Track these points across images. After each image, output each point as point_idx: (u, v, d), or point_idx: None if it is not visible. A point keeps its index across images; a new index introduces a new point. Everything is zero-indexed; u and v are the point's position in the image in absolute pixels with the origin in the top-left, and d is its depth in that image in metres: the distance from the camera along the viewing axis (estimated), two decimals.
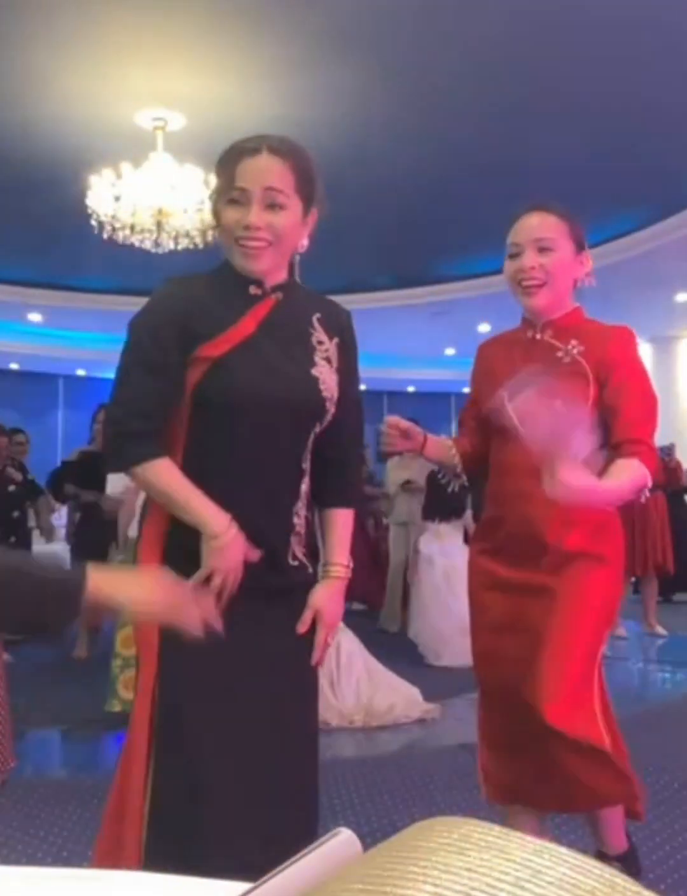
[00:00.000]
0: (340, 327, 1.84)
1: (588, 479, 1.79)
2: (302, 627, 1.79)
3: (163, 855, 1.63)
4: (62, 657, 5.92)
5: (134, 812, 1.71)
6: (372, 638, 6.65)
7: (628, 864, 2.15)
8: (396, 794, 3.21)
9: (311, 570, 1.83)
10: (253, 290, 1.72)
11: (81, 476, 5.99)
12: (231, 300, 1.70)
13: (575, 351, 2.12)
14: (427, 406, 14.70)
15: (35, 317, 11.91)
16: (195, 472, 1.66)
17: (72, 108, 6.35)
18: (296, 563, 1.78)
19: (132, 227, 6.43)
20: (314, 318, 1.79)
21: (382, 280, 10.85)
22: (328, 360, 1.78)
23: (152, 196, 6.31)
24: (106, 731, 4.25)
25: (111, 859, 1.75)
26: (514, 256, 2.22)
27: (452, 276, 10.09)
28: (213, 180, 5.42)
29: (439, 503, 6.23)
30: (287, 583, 1.76)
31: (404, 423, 2.22)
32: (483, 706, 2.22)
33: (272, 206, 1.67)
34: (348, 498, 1.90)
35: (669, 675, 5.93)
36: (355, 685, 4.27)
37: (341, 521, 1.88)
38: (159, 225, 6.41)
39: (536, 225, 2.19)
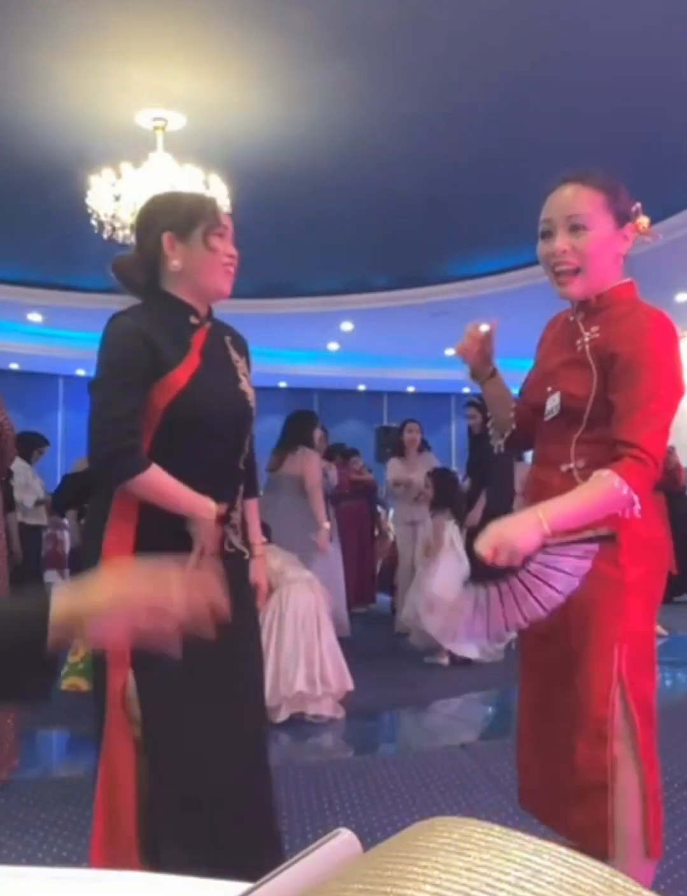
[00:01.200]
0: (244, 348, 2.19)
1: (527, 526, 1.65)
2: (262, 604, 2.22)
3: (169, 851, 1.81)
4: (62, 658, 5.91)
5: (127, 809, 1.84)
6: (371, 638, 6.65)
7: None
8: (395, 794, 3.21)
9: (247, 556, 2.11)
10: (193, 319, 2.03)
11: (86, 488, 5.98)
12: (179, 330, 1.99)
13: (588, 338, 1.90)
14: (427, 406, 14.70)
15: (35, 317, 11.91)
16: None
17: (72, 108, 6.35)
18: (232, 550, 2.04)
19: (132, 227, 6.43)
20: (227, 340, 2.11)
21: (382, 280, 10.85)
22: (245, 375, 2.12)
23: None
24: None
25: (109, 857, 1.86)
26: (545, 236, 1.92)
27: (452, 276, 10.09)
28: (213, 181, 5.77)
29: (445, 499, 6.24)
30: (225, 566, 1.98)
31: (483, 336, 2.09)
32: (520, 711, 2.13)
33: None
34: (257, 490, 2.38)
35: (669, 675, 5.93)
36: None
37: (254, 509, 2.27)
38: None
39: (569, 199, 1.88)
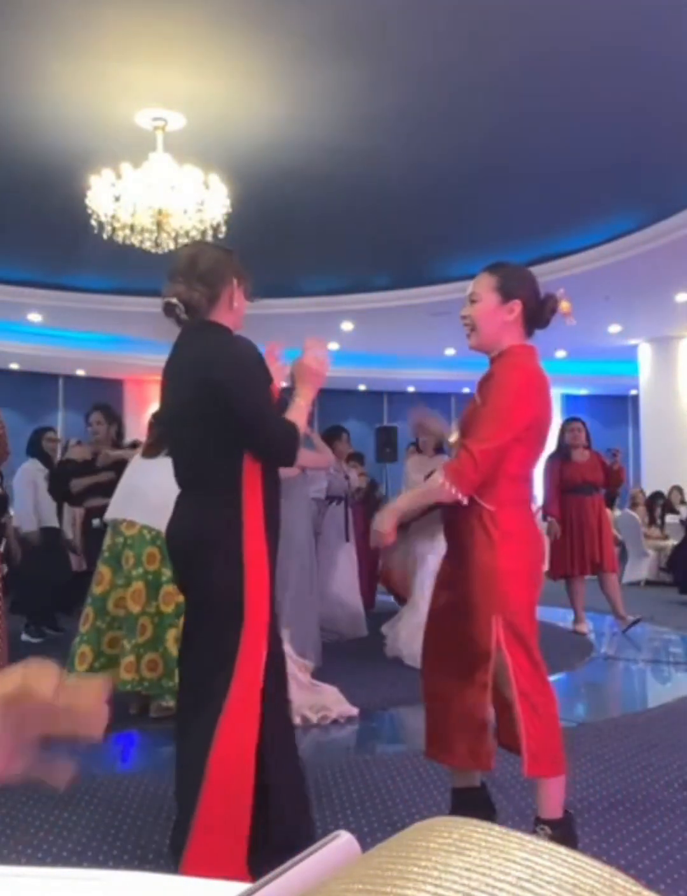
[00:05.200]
0: None
1: (384, 517, 2.53)
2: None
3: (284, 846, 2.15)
4: (63, 658, 5.92)
5: (244, 811, 2.17)
6: (371, 638, 6.65)
7: (561, 830, 2.45)
8: (395, 794, 3.21)
9: None
10: None
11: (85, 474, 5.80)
12: None
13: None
14: (427, 406, 14.68)
15: (35, 317, 11.91)
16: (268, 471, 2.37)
17: (72, 107, 6.35)
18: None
19: (132, 227, 6.42)
20: None
21: (382, 280, 10.85)
22: None
23: (152, 196, 6.31)
24: (106, 731, 4.25)
25: (212, 865, 2.12)
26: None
27: (452, 276, 10.09)
28: (212, 181, 6.00)
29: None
30: None
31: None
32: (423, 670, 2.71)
33: None
34: None
35: (670, 674, 5.93)
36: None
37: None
38: (159, 225, 6.41)
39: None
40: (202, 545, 2.28)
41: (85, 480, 5.72)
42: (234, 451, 2.30)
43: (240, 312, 2.45)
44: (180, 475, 2.41)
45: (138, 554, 4.25)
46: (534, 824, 2.48)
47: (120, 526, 4.37)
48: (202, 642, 2.31)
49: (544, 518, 7.20)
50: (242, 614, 2.24)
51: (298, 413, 2.43)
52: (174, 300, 2.37)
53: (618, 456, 7.04)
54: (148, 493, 4.19)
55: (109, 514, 4.52)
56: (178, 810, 2.33)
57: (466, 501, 2.41)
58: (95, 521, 5.85)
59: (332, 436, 6.75)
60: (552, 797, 2.46)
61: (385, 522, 2.48)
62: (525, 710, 2.40)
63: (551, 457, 7.09)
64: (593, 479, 6.87)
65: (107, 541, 4.44)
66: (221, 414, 2.28)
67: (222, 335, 2.38)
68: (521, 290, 2.59)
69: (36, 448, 6.92)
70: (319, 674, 4.71)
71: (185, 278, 2.37)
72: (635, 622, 6.93)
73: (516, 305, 2.56)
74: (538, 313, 2.60)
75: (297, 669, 4.54)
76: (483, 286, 2.60)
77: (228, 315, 2.42)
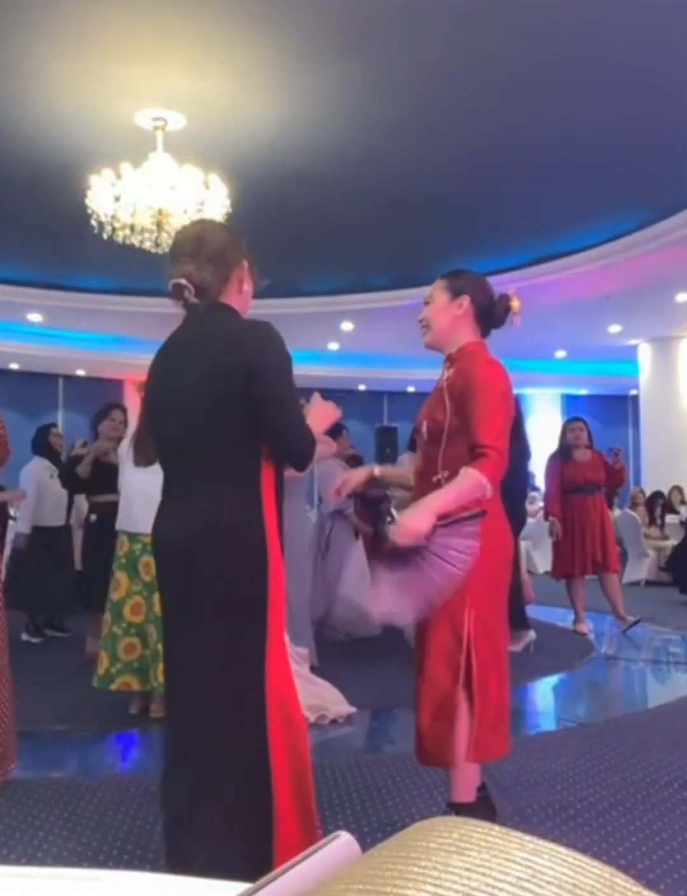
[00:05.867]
0: None
1: (420, 514, 2.33)
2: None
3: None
4: (63, 658, 5.92)
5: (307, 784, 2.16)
6: (371, 637, 6.65)
7: (476, 814, 2.41)
8: (395, 794, 3.21)
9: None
10: None
11: (93, 478, 5.88)
12: None
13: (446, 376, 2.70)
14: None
15: (35, 317, 11.91)
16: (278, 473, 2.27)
17: (72, 108, 6.35)
18: None
19: (132, 228, 6.42)
20: None
21: (382, 280, 10.85)
22: None
23: (152, 196, 6.31)
24: (106, 731, 4.25)
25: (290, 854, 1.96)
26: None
27: None
28: (212, 181, 5.97)
29: None
30: None
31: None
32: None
33: None
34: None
35: (670, 674, 5.93)
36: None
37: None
38: (159, 225, 6.41)
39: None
40: (223, 540, 2.12)
41: (86, 460, 5.83)
42: (254, 443, 2.16)
43: (248, 297, 2.35)
44: (188, 466, 2.21)
45: None
46: (446, 808, 2.54)
47: (139, 536, 4.34)
48: (223, 640, 2.14)
49: (546, 518, 7.20)
50: (266, 609, 2.13)
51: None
52: (183, 281, 2.22)
53: (619, 455, 7.04)
54: (156, 499, 4.17)
55: (122, 525, 4.47)
56: (195, 815, 2.09)
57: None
58: (93, 517, 5.90)
59: (332, 434, 6.75)
60: (468, 781, 2.53)
61: (424, 522, 2.31)
62: (482, 700, 2.46)
63: (553, 456, 7.09)
64: (595, 478, 6.89)
65: (123, 548, 4.41)
66: (246, 401, 2.13)
67: (244, 318, 2.27)
68: (469, 288, 2.73)
69: (43, 445, 6.87)
70: (319, 673, 4.71)
71: (193, 258, 2.24)
72: (635, 622, 6.93)
73: (465, 300, 2.69)
74: (489, 312, 2.73)
75: (296, 661, 4.55)
76: (436, 288, 2.78)
77: (237, 299, 2.31)
